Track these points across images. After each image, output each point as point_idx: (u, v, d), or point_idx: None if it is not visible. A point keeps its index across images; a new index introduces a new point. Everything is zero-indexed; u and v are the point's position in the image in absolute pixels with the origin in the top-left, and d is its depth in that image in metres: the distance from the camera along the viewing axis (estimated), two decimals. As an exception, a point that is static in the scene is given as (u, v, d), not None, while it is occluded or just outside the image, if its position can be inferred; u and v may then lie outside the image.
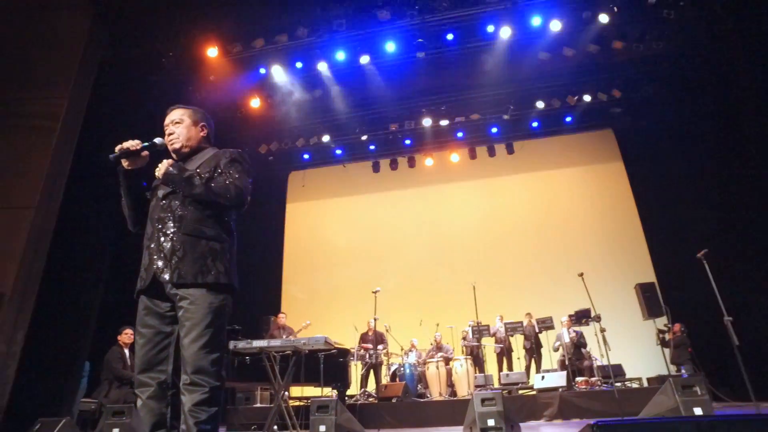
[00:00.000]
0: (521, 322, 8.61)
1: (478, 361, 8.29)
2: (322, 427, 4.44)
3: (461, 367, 7.67)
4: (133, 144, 2.14)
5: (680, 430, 1.31)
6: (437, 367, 7.79)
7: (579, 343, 8.07)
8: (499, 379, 8.08)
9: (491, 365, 8.87)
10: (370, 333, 8.14)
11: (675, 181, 9.25)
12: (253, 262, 11.20)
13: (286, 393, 5.72)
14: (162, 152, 2.30)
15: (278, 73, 9.84)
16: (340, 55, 9.29)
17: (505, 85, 9.85)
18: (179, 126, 2.33)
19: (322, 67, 9.61)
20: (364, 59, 9.35)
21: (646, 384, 7.66)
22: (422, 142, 11.30)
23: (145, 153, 2.20)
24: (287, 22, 9.01)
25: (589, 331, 7.63)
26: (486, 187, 11.26)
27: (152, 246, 2.12)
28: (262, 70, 9.84)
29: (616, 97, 9.87)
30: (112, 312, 7.02)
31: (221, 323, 2.07)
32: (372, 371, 8.09)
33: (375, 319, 6.51)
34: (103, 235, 7.91)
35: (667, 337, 7.92)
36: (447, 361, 8.01)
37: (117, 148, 2.12)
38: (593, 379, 7.19)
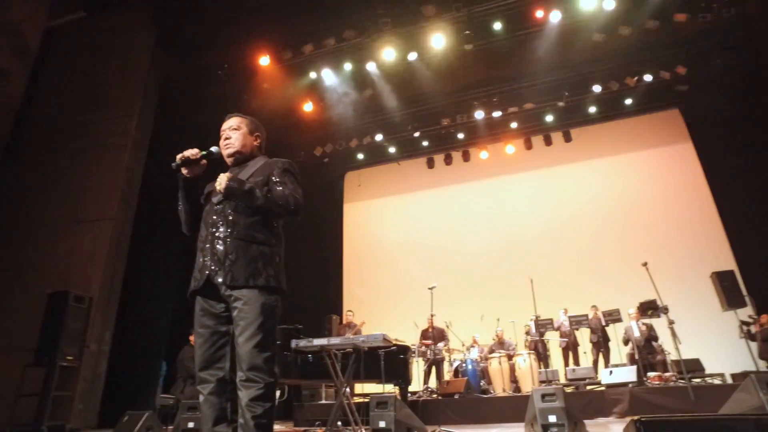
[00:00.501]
0: (586, 315, 8.30)
1: (542, 356, 8.08)
2: (382, 423, 4.49)
3: (524, 362, 7.51)
4: (193, 153, 2.27)
5: (738, 428, 1.21)
6: (500, 363, 7.67)
7: (650, 337, 7.66)
8: (565, 374, 7.84)
9: (556, 360, 8.62)
10: (430, 329, 8.14)
11: (752, 159, 8.55)
12: (313, 262, 11.49)
13: (348, 390, 5.81)
14: (217, 160, 2.40)
15: (328, 76, 10.03)
16: (389, 54, 9.33)
17: (558, 71, 9.51)
18: (236, 132, 2.43)
19: (371, 66, 9.70)
20: (412, 56, 9.35)
21: (729, 380, 7.14)
22: (476, 135, 11.13)
23: (204, 161, 2.32)
24: (334, 25, 9.16)
25: (659, 324, 7.23)
26: (544, 178, 10.92)
27: (206, 249, 2.22)
28: (313, 75, 10.06)
29: (680, 74, 9.26)
30: (183, 313, 7.44)
31: (273, 323, 2.15)
32: (434, 367, 8.08)
33: (432, 316, 6.48)
34: (174, 241, 8.40)
35: (753, 329, 7.34)
36: (510, 356, 7.86)
37: (178, 157, 2.25)
38: (667, 374, 6.81)
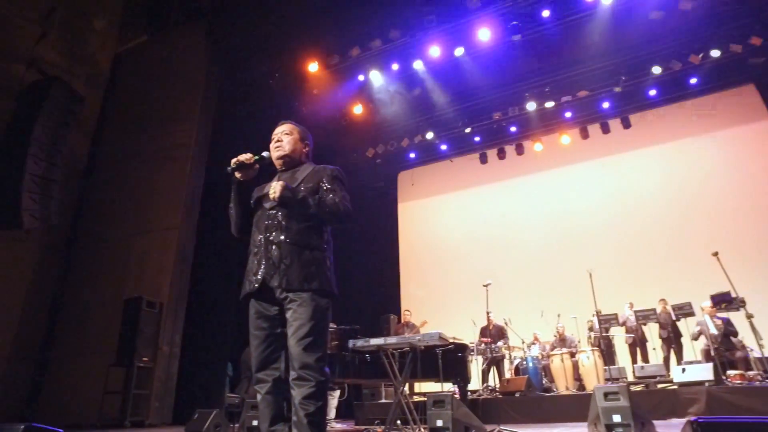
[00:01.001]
0: (654, 310, 7.86)
1: (607, 353, 7.75)
2: (439, 422, 4.47)
3: (588, 359, 7.23)
4: (246, 157, 2.38)
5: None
6: (562, 360, 7.43)
7: (728, 332, 7.14)
8: (633, 371, 7.47)
9: (623, 357, 8.23)
10: (489, 327, 8.01)
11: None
12: (370, 263, 11.63)
13: (406, 389, 5.85)
14: (267, 165, 2.49)
15: (376, 78, 10.12)
16: (435, 51, 9.29)
17: (613, 54, 9.08)
18: (287, 137, 2.52)
19: (418, 65, 9.70)
20: (459, 51, 9.26)
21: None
22: (528, 127, 10.84)
23: (256, 165, 2.42)
24: (379, 26, 9.24)
25: (736, 318, 6.73)
26: (602, 167, 10.44)
27: (260, 253, 2.31)
28: (361, 77, 10.20)
29: (755, 45, 8.55)
30: (244, 316, 7.76)
31: (325, 324, 2.23)
32: (493, 366, 7.95)
33: (488, 313, 6.37)
34: (234, 247, 8.77)
35: None
36: (572, 353, 7.60)
37: (233, 161, 2.36)
38: (751, 373, 6.30)
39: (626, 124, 10.12)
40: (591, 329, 8.20)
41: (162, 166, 9.15)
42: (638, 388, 6.54)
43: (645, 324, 8.04)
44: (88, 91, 9.67)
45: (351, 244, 11.61)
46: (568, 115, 10.51)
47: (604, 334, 7.66)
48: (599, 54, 8.98)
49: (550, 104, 10.19)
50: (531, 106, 10.16)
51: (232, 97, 9.87)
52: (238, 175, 2.38)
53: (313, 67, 9.82)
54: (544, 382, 7.62)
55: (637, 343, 8.14)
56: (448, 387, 6.77)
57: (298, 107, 10.42)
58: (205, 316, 8.48)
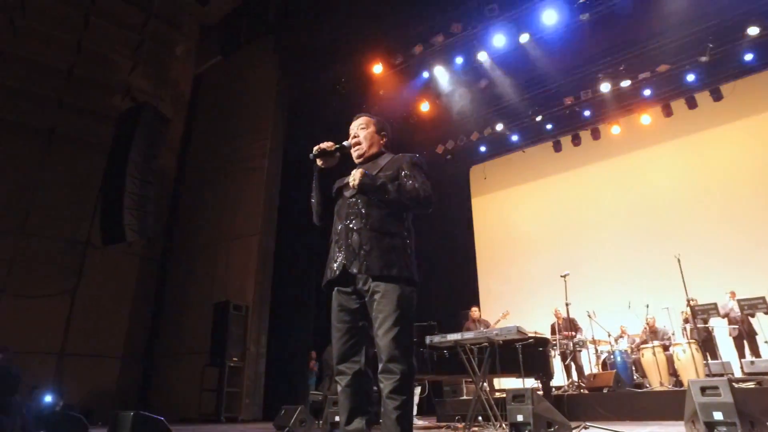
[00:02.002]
0: (763, 298, 7.13)
1: (708, 346, 7.14)
2: (520, 417, 4.34)
3: (684, 353, 6.69)
4: (328, 145, 2.42)
5: None
6: (654, 354, 6.94)
7: None
8: (742, 366, 6.82)
9: (727, 351, 7.53)
10: (560, 321, 7.67)
11: None
12: (446, 259, 11.57)
13: (486, 384, 5.75)
14: (347, 157, 2.54)
15: (441, 74, 10.06)
16: (499, 41, 9.07)
17: (696, 21, 8.31)
18: (364, 131, 2.54)
19: (483, 56, 9.52)
20: (524, 38, 8.97)
21: None
22: (604, 110, 10.23)
23: (337, 154, 2.47)
24: (440, 22, 9.17)
25: None
26: (689, 146, 9.60)
27: (340, 241, 2.33)
28: (426, 74, 10.18)
29: None
30: (325, 319, 8.05)
31: (409, 314, 2.20)
32: (573, 360, 7.61)
33: (567, 305, 6.08)
34: (312, 251, 9.09)
35: None
36: (665, 346, 7.09)
37: (315, 148, 2.41)
38: None
39: (717, 96, 9.24)
40: (687, 320, 7.60)
41: (241, 177, 9.72)
42: (749, 385, 5.95)
43: (753, 315, 7.31)
44: (172, 112, 10.52)
45: (426, 242, 11.61)
46: (647, 93, 9.78)
47: (701, 325, 7.07)
48: (679, 23, 8.27)
49: (626, 83, 9.55)
50: (605, 87, 9.59)
51: (302, 106, 10.25)
52: (319, 162, 2.42)
53: (377, 68, 9.94)
54: (635, 377, 7.18)
55: (744, 336, 7.43)
56: (531, 383, 6.57)
57: (365, 110, 10.54)
58: (288, 317, 8.87)
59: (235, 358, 8.02)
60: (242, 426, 7.13)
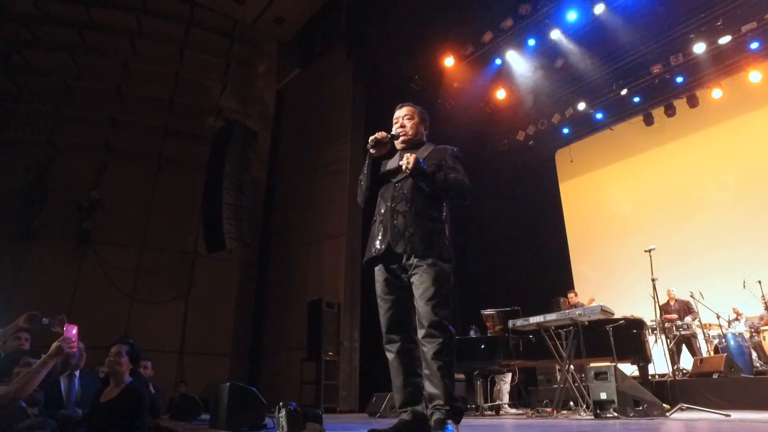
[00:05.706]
0: None
1: None
2: (603, 395, 4.16)
3: (815, 334, 5.94)
4: (382, 135, 2.63)
5: None
6: (776, 336, 6.23)
7: None
8: None
9: None
10: (672, 302, 7.10)
11: None
12: (537, 246, 11.20)
13: (572, 368, 5.53)
14: (394, 143, 2.73)
15: (514, 59, 9.84)
16: (572, 16, 8.72)
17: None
18: (409, 121, 2.74)
19: (556, 34, 9.17)
20: (599, 8, 8.51)
21: None
22: (700, 73, 9.27)
23: (389, 144, 2.69)
24: (507, 5, 8.99)
25: None
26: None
27: (385, 221, 2.55)
28: (498, 61, 10.04)
29: None
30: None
31: (448, 287, 2.42)
32: (684, 344, 7.00)
33: (654, 280, 5.58)
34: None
35: None
36: (791, 328, 6.32)
37: (371, 139, 2.62)
38: None
39: (838, 42, 8.07)
40: (817, 298, 6.70)
41: (326, 181, 10.22)
42: None
43: None
44: (259, 126, 11.37)
45: (514, 231, 11.36)
46: (754, 46, 8.63)
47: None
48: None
49: (725, 40, 8.61)
50: (699, 48, 8.71)
51: (379, 106, 10.54)
52: (373, 151, 2.62)
53: (449, 61, 9.96)
54: (758, 364, 6.46)
55: None
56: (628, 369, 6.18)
57: (441, 104, 10.62)
58: (377, 312, 9.13)
59: (330, 353, 8.42)
60: (341, 416, 7.48)
